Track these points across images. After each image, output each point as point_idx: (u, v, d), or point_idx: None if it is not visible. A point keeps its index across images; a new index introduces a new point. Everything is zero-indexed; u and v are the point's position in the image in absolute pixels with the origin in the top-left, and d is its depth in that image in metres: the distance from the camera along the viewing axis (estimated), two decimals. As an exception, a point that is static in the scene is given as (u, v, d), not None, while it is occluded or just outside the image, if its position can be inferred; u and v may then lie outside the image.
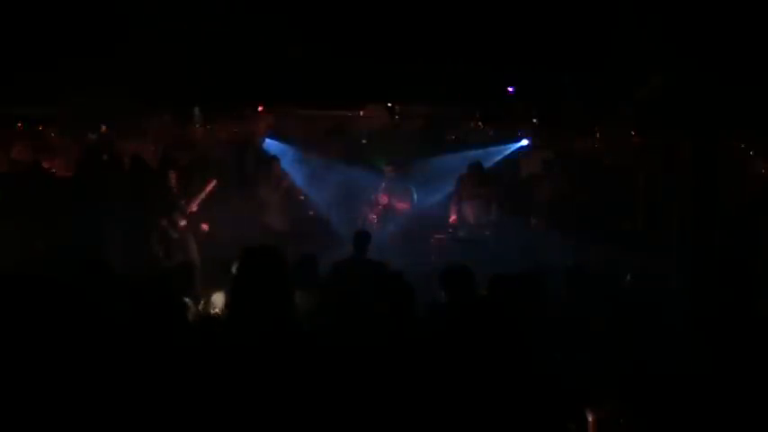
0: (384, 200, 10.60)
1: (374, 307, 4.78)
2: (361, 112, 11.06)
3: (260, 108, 10.72)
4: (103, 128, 10.53)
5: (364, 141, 11.55)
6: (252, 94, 9.67)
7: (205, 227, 9.73)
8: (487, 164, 10.79)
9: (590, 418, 4.18)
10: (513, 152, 11.20)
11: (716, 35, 7.95)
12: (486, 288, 5.29)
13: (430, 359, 3.76)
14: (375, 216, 10.55)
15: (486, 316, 3.76)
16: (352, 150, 11.42)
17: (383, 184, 10.68)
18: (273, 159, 10.60)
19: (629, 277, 7.02)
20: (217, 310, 6.93)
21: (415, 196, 10.69)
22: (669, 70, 8.47)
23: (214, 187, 9.99)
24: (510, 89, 9.97)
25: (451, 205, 10.42)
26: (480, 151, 10.92)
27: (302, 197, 11.00)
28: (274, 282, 3.73)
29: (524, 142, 11.07)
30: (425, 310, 5.13)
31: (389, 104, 10.68)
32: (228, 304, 4.31)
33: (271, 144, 11.21)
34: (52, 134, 10.54)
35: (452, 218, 10.32)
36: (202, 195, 9.94)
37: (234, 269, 3.91)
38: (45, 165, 10.14)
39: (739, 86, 8.32)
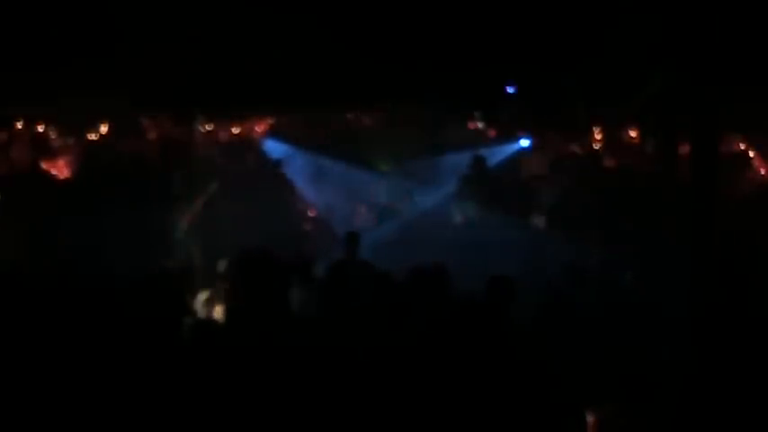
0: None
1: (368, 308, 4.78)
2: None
3: (260, 109, 10.72)
4: (103, 128, 10.53)
5: (364, 142, 11.55)
6: (252, 95, 9.66)
7: None
8: (488, 165, 10.79)
9: (590, 419, 4.18)
10: (513, 153, 11.19)
11: (716, 35, 7.94)
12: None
13: (426, 360, 3.76)
14: (373, 216, 10.57)
15: (478, 317, 3.76)
16: (353, 150, 11.43)
17: (384, 184, 10.73)
18: (278, 163, 10.63)
19: (628, 276, 7.04)
20: (216, 312, 6.96)
21: (415, 197, 10.72)
22: (669, 70, 8.46)
23: (215, 189, 10.01)
24: (510, 89, 9.96)
25: (455, 207, 10.46)
26: (481, 152, 10.92)
27: (302, 198, 11.01)
28: (267, 284, 3.75)
29: (524, 143, 11.06)
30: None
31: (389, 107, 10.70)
32: (226, 309, 4.34)
33: (271, 145, 11.21)
34: (52, 134, 10.54)
35: (458, 219, 10.35)
36: (204, 197, 9.96)
37: (222, 269, 3.92)
38: (45, 165, 10.13)
39: (740, 86, 8.32)
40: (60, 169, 10.21)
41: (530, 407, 3.73)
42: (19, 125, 10.26)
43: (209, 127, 11.07)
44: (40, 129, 10.43)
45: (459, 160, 10.81)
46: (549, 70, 8.95)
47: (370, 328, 4.40)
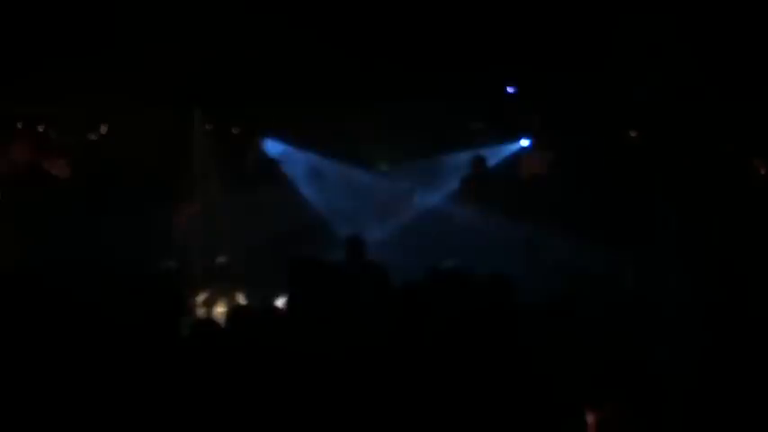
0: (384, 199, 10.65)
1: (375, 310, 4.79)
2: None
3: (260, 107, 10.72)
4: (103, 128, 10.53)
5: (364, 142, 11.56)
6: (252, 93, 9.67)
7: None
8: (488, 165, 10.80)
9: (590, 419, 4.17)
10: (513, 153, 11.19)
11: (716, 35, 7.95)
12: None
13: (427, 360, 3.76)
14: (373, 216, 10.58)
15: (478, 317, 3.76)
16: (352, 150, 11.43)
17: (384, 184, 10.72)
18: (275, 161, 10.64)
19: (629, 276, 7.04)
20: (218, 311, 6.96)
21: (417, 196, 10.72)
22: (669, 70, 8.47)
23: (215, 189, 10.03)
24: (510, 89, 9.96)
25: (455, 206, 10.46)
26: (481, 151, 10.92)
27: (302, 198, 11.02)
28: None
29: (525, 142, 11.06)
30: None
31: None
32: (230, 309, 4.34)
33: (271, 144, 11.21)
34: (52, 134, 10.53)
35: (458, 219, 10.35)
36: (204, 197, 9.97)
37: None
38: (45, 165, 10.13)
39: (740, 86, 8.32)
40: (60, 169, 10.21)
41: (530, 407, 3.72)
42: (19, 125, 10.26)
43: (209, 126, 11.06)
44: (40, 129, 10.42)
45: (460, 160, 10.82)
46: (549, 70, 8.95)
47: (372, 330, 4.40)
